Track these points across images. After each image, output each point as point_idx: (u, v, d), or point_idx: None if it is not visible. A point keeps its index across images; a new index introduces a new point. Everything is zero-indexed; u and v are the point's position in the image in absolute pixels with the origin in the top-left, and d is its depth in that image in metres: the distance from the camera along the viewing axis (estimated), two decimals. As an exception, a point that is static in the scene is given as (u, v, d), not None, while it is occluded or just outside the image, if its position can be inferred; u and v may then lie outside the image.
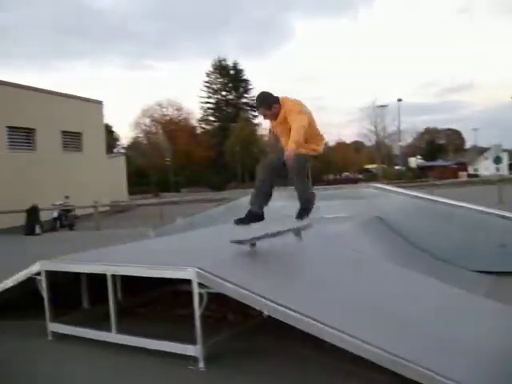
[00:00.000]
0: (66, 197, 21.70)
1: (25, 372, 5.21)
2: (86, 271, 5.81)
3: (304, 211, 6.23)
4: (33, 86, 25.39)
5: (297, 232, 6.19)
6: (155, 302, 7.13)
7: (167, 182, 65.33)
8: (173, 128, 74.55)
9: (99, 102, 31.09)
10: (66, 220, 21.00)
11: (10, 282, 6.22)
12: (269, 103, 6.04)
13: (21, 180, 22.68)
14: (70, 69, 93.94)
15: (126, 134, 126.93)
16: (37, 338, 6.11)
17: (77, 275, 6.19)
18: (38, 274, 5.88)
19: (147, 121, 74.29)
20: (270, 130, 6.77)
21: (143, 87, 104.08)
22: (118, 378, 4.90)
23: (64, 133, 27.50)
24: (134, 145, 74.17)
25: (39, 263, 5.89)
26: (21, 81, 34.39)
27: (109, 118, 75.20)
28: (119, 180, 36.67)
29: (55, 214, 20.85)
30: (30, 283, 6.02)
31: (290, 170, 5.85)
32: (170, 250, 6.65)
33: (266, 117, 6.16)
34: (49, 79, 75.47)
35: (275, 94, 6.11)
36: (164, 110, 76.20)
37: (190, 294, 4.84)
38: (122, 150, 67.07)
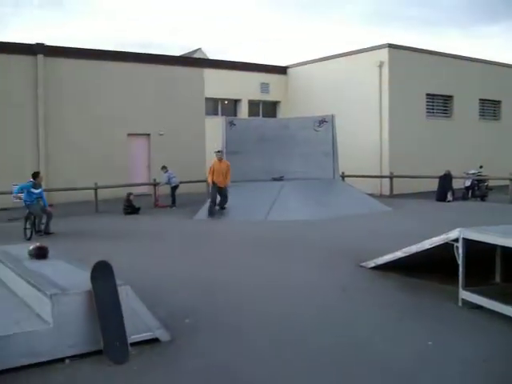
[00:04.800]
0: (481, 166, 21.24)
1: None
2: (506, 245, 5.59)
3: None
4: (450, 52, 25.46)
5: None
6: None
7: None
8: None
9: (523, 69, 29.17)
10: (478, 190, 20.58)
11: (427, 244, 6.48)
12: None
13: (436, 147, 23.26)
14: (489, 34, 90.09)
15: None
16: (448, 302, 6.27)
17: (485, 247, 6.03)
18: (456, 240, 5.95)
19: None
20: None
21: None
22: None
23: (481, 100, 26.89)
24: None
25: (458, 230, 5.95)
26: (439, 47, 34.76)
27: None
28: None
29: (468, 183, 20.59)
30: (444, 248, 6.16)
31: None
32: None
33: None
34: (466, 44, 73.91)
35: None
36: None
37: None
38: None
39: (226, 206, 15.44)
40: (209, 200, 15.60)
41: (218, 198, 15.44)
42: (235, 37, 73.74)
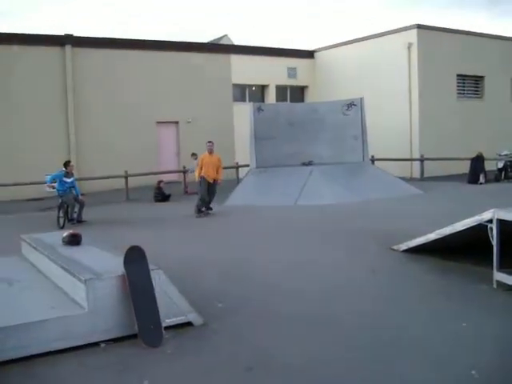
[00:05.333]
0: (514, 147, 20.89)
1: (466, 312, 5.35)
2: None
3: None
4: (481, 32, 24.85)
5: None
6: None
7: None
8: None
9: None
10: (511, 172, 20.20)
11: (460, 226, 6.39)
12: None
13: (467, 128, 22.85)
14: None
15: None
16: (482, 284, 6.18)
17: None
18: (490, 221, 5.86)
19: None
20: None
21: None
22: None
23: (514, 80, 26.28)
24: None
25: (492, 211, 5.86)
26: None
27: None
28: None
29: (500, 165, 20.21)
30: (477, 230, 6.06)
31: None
32: None
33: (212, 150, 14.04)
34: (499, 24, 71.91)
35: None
36: None
37: None
38: None
39: (212, 206, 13.99)
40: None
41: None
42: (261, 22, 73.29)
